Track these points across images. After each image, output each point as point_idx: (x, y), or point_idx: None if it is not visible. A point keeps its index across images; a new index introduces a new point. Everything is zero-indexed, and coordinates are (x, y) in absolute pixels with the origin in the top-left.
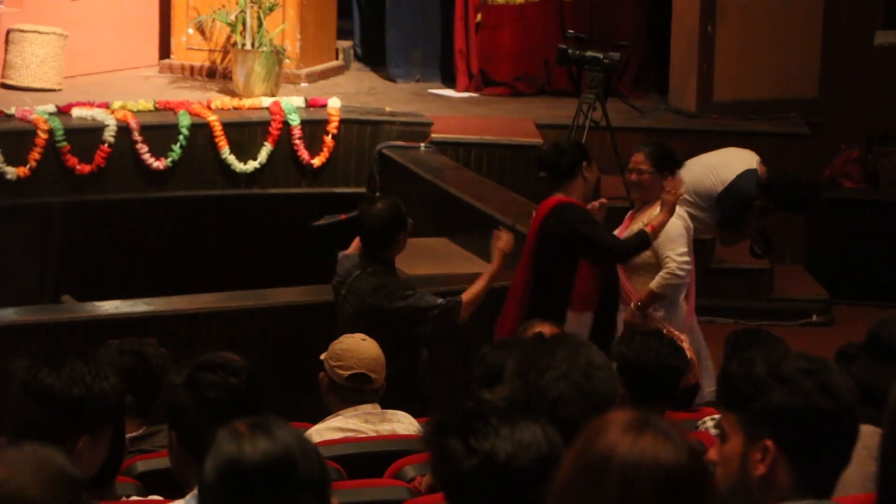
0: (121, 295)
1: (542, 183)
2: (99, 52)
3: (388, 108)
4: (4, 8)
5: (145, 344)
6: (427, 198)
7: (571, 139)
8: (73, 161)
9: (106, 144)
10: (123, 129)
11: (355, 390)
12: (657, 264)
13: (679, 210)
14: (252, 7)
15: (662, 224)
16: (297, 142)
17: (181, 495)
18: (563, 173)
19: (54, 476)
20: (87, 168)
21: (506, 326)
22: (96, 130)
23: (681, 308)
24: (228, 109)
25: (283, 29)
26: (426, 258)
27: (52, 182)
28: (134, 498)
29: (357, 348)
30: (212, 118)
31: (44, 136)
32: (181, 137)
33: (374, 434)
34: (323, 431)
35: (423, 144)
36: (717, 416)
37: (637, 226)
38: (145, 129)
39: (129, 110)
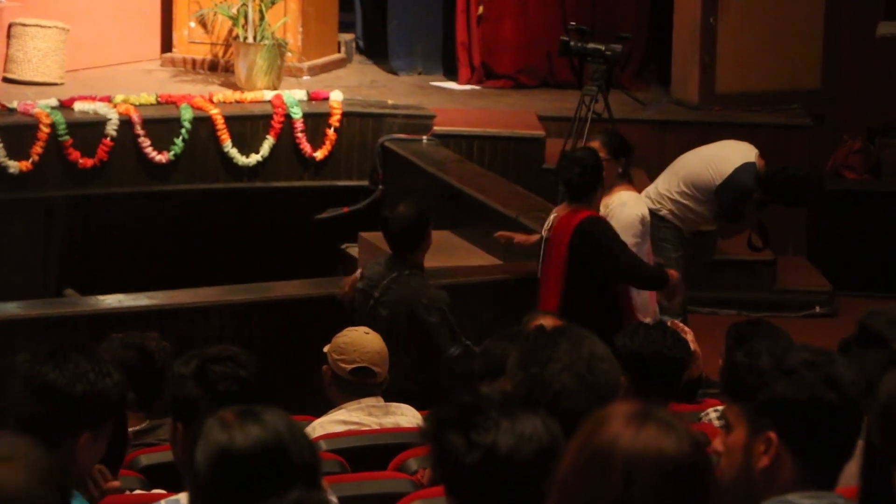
0: (123, 289)
1: (546, 176)
2: (101, 45)
3: (390, 101)
4: (6, 2)
5: (148, 338)
6: (429, 191)
7: (581, 145)
8: (75, 155)
9: (108, 138)
10: (126, 123)
11: (358, 384)
12: None
13: (636, 198)
14: (254, 0)
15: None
16: (300, 135)
17: (184, 489)
18: (585, 189)
19: (43, 474)
20: (89, 162)
21: None
22: (98, 124)
23: (640, 293)
24: (230, 103)
25: (285, 22)
26: (429, 251)
27: (55, 176)
28: (137, 491)
29: (360, 342)
30: (214, 111)
31: (46, 130)
32: (183, 131)
33: (377, 427)
34: (326, 424)
35: (425, 137)
36: (720, 408)
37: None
38: (147, 123)
39: (132, 104)
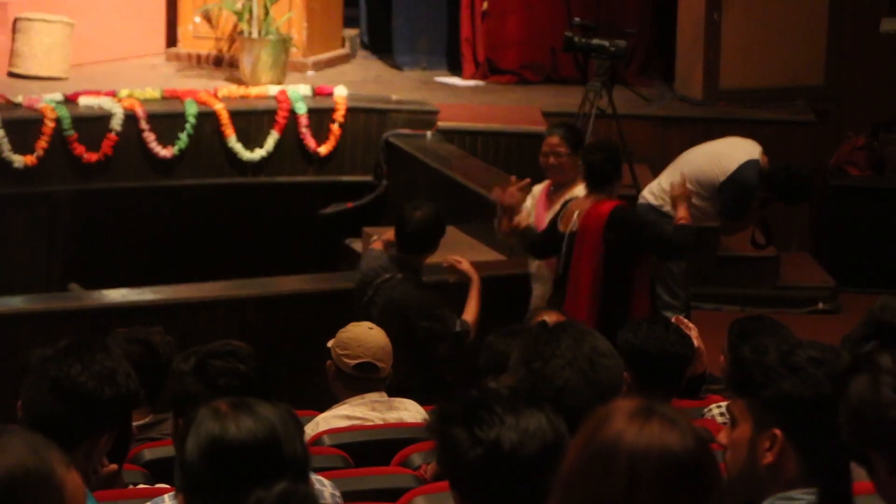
0: (127, 283)
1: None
2: (106, 40)
3: (394, 97)
4: None
5: (152, 332)
6: (433, 186)
7: (596, 136)
8: (80, 149)
9: (113, 133)
10: (130, 118)
11: (362, 379)
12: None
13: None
14: None
15: (688, 218)
16: (304, 130)
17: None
18: (608, 176)
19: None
20: (94, 156)
21: None
22: (103, 119)
23: None
24: (235, 98)
25: (290, 17)
26: None
27: (60, 171)
28: (141, 486)
29: (364, 337)
30: (218, 106)
31: (51, 124)
32: (188, 126)
33: (380, 422)
34: (330, 419)
35: (429, 132)
36: (723, 405)
37: (556, 207)
38: (152, 118)
39: (136, 99)
